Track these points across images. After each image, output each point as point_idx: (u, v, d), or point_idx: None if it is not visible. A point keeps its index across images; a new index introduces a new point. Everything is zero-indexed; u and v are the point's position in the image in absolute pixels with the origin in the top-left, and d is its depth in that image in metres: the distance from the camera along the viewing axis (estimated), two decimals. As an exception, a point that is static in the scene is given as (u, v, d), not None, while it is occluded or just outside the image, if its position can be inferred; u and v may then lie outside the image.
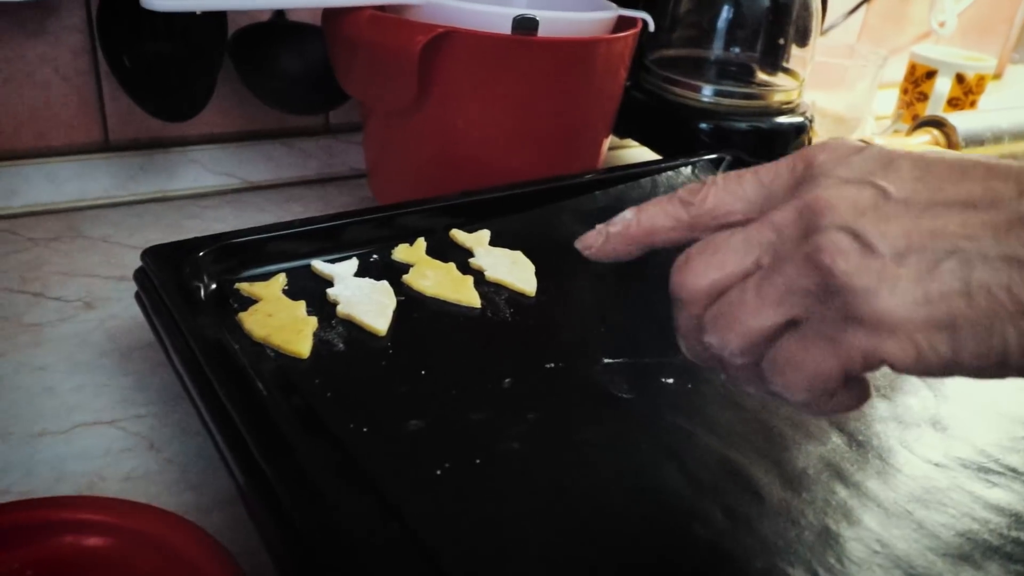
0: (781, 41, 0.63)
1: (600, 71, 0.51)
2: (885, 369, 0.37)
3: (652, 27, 0.55)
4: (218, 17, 0.54)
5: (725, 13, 0.62)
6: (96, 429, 0.37)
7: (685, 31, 0.65)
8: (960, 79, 0.88)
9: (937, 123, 0.73)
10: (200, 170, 0.61)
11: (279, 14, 0.58)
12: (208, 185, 0.62)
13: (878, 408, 0.35)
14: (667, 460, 0.31)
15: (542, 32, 0.48)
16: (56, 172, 0.57)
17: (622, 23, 0.54)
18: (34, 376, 0.40)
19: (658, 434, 0.32)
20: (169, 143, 0.61)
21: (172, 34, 0.53)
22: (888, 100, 0.96)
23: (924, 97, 0.90)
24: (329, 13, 0.50)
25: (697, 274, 0.25)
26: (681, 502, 0.29)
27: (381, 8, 0.49)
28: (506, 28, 0.47)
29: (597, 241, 0.30)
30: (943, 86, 0.88)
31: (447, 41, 0.46)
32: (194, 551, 0.28)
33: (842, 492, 0.30)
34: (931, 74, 0.89)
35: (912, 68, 0.92)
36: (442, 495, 0.28)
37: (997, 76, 1.15)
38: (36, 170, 0.56)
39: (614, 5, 0.55)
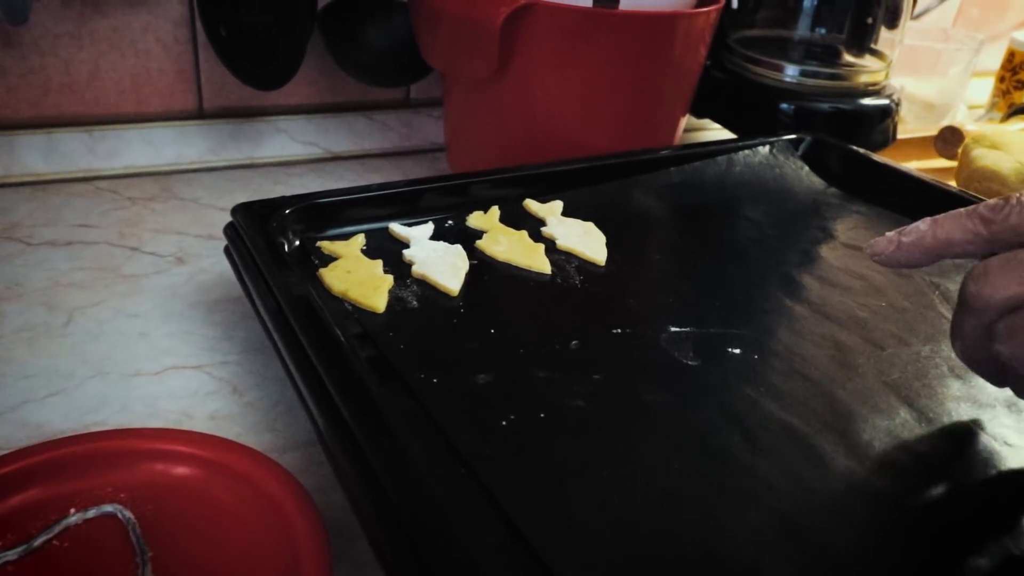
0: (869, 21, 0.61)
1: (680, 47, 0.51)
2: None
3: (735, 4, 0.54)
4: (308, -10, 0.56)
5: (810, -8, 0.61)
6: (185, 372, 0.39)
7: (769, 11, 0.64)
8: (1062, 67, 0.84)
9: (1034, 110, 0.70)
10: (286, 139, 0.64)
11: (367, -13, 0.59)
12: (293, 154, 0.64)
13: (951, 387, 0.35)
14: (731, 424, 0.31)
15: (624, 6, 0.48)
16: (154, 137, 0.60)
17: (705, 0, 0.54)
18: (130, 322, 0.42)
19: (723, 400, 0.33)
20: (258, 113, 0.63)
21: (266, 5, 0.56)
22: (983, 89, 0.93)
23: (1022, 85, 0.86)
24: (415, -14, 0.52)
25: (997, 287, 0.27)
26: (742, 465, 0.29)
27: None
28: (588, 1, 0.48)
29: (889, 248, 0.31)
30: (1043, 74, 0.84)
31: (529, 13, 0.47)
32: (272, 485, 0.30)
33: (908, 464, 0.30)
34: (1031, 61, 0.85)
35: (1011, 55, 0.88)
36: (506, 444, 0.29)
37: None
38: (136, 134, 0.59)
39: (697, -19, 0.55)
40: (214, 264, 0.48)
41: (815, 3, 0.61)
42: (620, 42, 0.49)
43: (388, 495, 0.26)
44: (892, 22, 0.63)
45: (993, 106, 0.87)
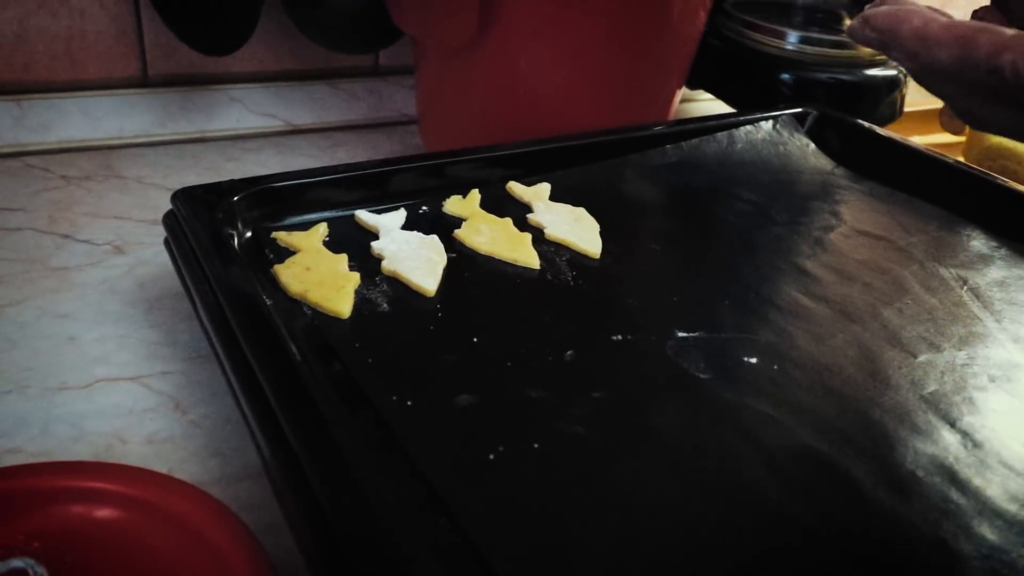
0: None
1: (679, 10, 0.46)
2: (1000, 356, 0.32)
3: (737, -37, 0.49)
4: (263, -57, 0.50)
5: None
6: (119, 385, 0.34)
7: (770, -29, 0.59)
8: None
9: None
10: (242, 110, 0.58)
11: (329, -57, 0.53)
12: (250, 126, 0.58)
13: (994, 402, 0.31)
14: (753, 454, 0.27)
15: (616, -36, 0.43)
16: (92, 107, 0.54)
17: (704, -41, 0.49)
18: (56, 324, 0.37)
19: (741, 422, 0.28)
20: (210, 80, 0.57)
21: (214, -40, 0.50)
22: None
23: None
24: (382, -61, 0.46)
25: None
26: (770, 504, 0.25)
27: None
28: (577, -42, 0.42)
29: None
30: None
31: (511, -30, 0.41)
32: (213, 528, 0.25)
33: (959, 500, 0.26)
34: (1032, 30, 0.81)
35: None
36: (495, 484, 0.25)
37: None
38: (71, 104, 0.53)
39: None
40: (157, 254, 0.42)
41: (820, -36, 0.56)
42: (612, 3, 0.44)
43: (346, 551, 0.21)
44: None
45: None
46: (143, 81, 0.55)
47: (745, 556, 0.23)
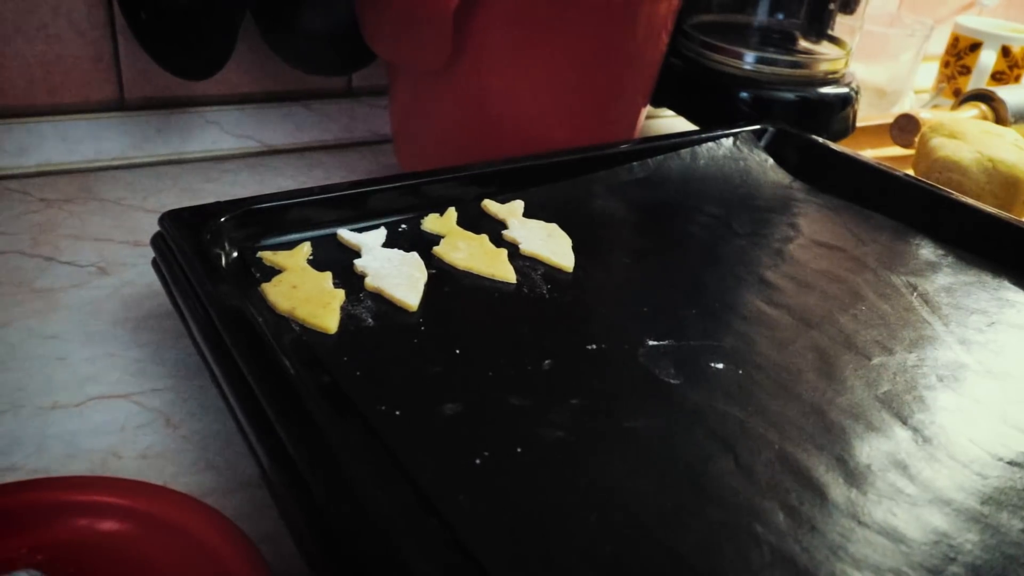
0: (831, 6, 0.60)
1: (642, 33, 0.49)
2: (948, 357, 0.35)
3: (696, -12, 0.52)
4: (239, -30, 0.51)
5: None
6: (111, 403, 0.35)
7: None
8: (1006, 52, 0.84)
9: (985, 97, 0.70)
10: (218, 132, 0.59)
11: (302, -31, 0.55)
12: (226, 148, 0.59)
13: (942, 399, 0.33)
14: (721, 452, 0.29)
15: (582, -9, 0.45)
16: (70, 131, 0.55)
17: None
18: (45, 345, 0.38)
19: (710, 423, 0.30)
20: (186, 103, 0.58)
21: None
22: (927, 74, 0.93)
23: (967, 71, 0.87)
24: (357, -33, 0.48)
25: None
26: (739, 500, 0.27)
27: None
28: (545, -15, 0.44)
29: None
30: (988, 59, 0.84)
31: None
32: (213, 537, 0.26)
33: (910, 490, 0.28)
34: (975, 46, 0.86)
35: (955, 40, 0.88)
36: (481, 487, 0.26)
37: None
38: (49, 128, 0.54)
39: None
40: (141, 275, 0.43)
41: (774, -12, 0.59)
42: (580, 28, 0.46)
43: (345, 550, 0.23)
44: (851, 8, 0.61)
45: (940, 91, 0.87)
46: (120, 104, 0.56)
47: (717, 548, 0.25)
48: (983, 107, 0.69)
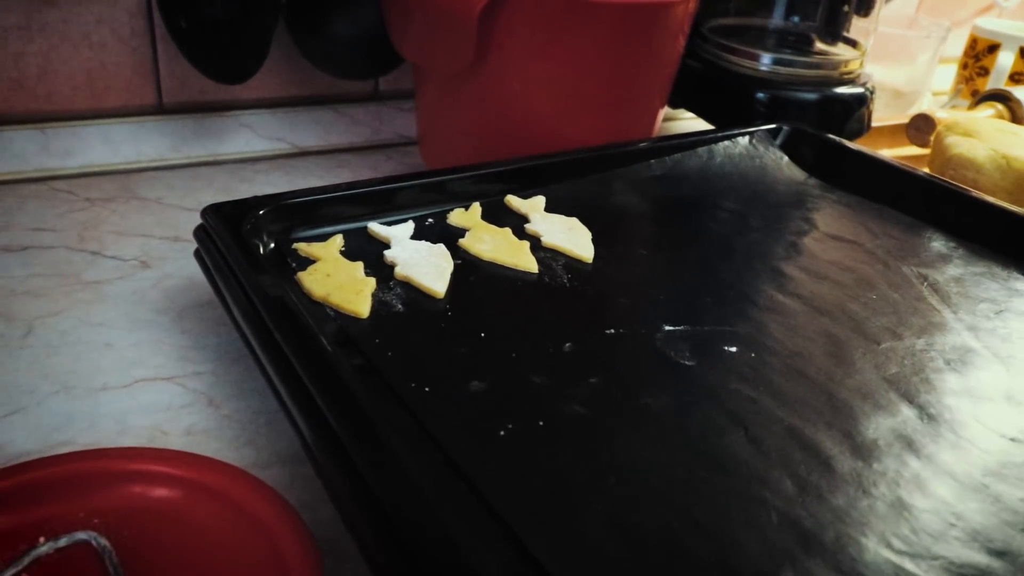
0: (845, 9, 0.61)
1: (659, 36, 0.50)
2: (955, 342, 0.36)
3: (712, -8, 0.53)
4: (272, -21, 0.54)
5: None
6: (156, 384, 0.37)
7: (742, -1, 0.63)
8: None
9: (1002, 97, 0.71)
10: (251, 134, 0.61)
11: (333, -23, 0.57)
12: (259, 149, 0.62)
13: (949, 381, 0.34)
14: (733, 427, 0.30)
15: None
16: (111, 134, 0.57)
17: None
18: (94, 332, 0.40)
19: (722, 401, 0.32)
20: (221, 107, 0.61)
21: (227, -5, 0.53)
22: (945, 76, 0.94)
23: (985, 72, 0.87)
24: (385, -25, 0.50)
25: None
26: (749, 470, 0.28)
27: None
28: (566, -10, 0.46)
29: None
30: (1006, 60, 0.85)
31: (507, 3, 0.45)
32: (258, 504, 0.28)
33: (914, 464, 0.29)
34: (993, 48, 0.86)
35: (973, 41, 0.88)
36: (506, 456, 0.28)
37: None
38: (92, 131, 0.57)
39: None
40: (181, 268, 0.46)
41: (789, -9, 0.61)
42: (599, 32, 0.48)
43: (385, 512, 0.25)
44: (865, 10, 0.62)
45: (958, 92, 0.88)
46: (159, 109, 0.59)
47: (726, 512, 0.27)
48: (999, 107, 0.70)
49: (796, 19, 0.63)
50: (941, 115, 0.66)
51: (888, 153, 0.70)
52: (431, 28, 0.48)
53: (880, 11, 0.63)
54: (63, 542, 0.27)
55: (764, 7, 0.62)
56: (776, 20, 0.62)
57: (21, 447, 0.33)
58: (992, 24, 0.88)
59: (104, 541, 0.28)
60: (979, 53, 0.88)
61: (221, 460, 0.30)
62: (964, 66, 0.90)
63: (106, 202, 0.53)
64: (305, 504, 0.31)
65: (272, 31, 0.54)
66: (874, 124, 0.70)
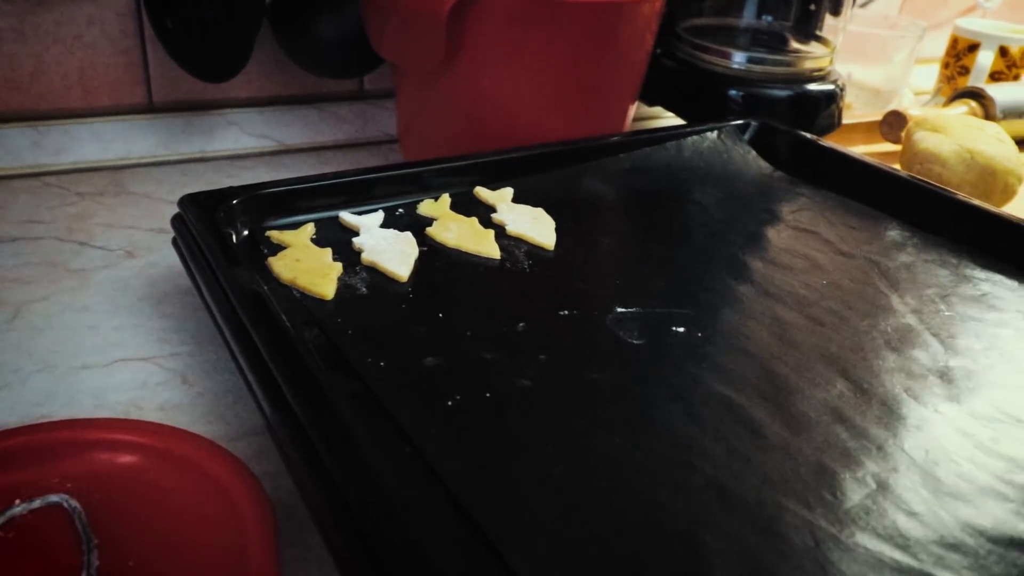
0: (812, 7, 0.63)
1: (626, 34, 0.52)
2: (898, 324, 0.37)
3: (680, -9, 0.55)
4: (257, -19, 0.56)
5: (755, -21, 0.62)
6: (134, 364, 0.39)
7: (715, -1, 0.65)
8: (1004, 52, 0.86)
9: (975, 94, 0.72)
10: (238, 132, 0.63)
11: (318, -21, 0.59)
12: (245, 146, 0.64)
13: (887, 359, 0.36)
14: (671, 401, 0.32)
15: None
16: (103, 131, 0.59)
17: (651, -12, 0.54)
18: (78, 316, 0.42)
19: (664, 377, 0.33)
20: (209, 106, 0.63)
21: (213, -2, 0.55)
22: (929, 75, 0.95)
23: (965, 71, 0.89)
24: (362, -24, 0.52)
25: None
26: (682, 439, 0.30)
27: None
28: (533, -10, 0.48)
29: None
30: (985, 59, 0.86)
31: (475, 3, 0.47)
32: (219, 470, 0.30)
33: (843, 434, 0.31)
34: (973, 47, 0.88)
35: (954, 41, 0.90)
36: (452, 424, 0.30)
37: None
38: (84, 129, 0.59)
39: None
40: (165, 257, 0.48)
41: (759, -9, 0.62)
42: (566, 31, 0.49)
43: (333, 478, 0.26)
44: (835, 8, 0.64)
45: (938, 91, 0.90)
46: (149, 107, 0.61)
47: (656, 476, 0.28)
48: (973, 104, 0.72)
49: (769, 18, 0.64)
50: (913, 112, 0.68)
51: (863, 149, 0.71)
52: (403, 27, 0.50)
53: (850, 10, 0.65)
54: (37, 504, 0.29)
55: (736, 7, 0.64)
56: (748, 19, 0.64)
57: (3, 420, 0.35)
58: (972, 24, 0.89)
59: (75, 503, 0.29)
60: (960, 52, 0.90)
61: (185, 429, 0.32)
62: (946, 65, 0.92)
63: (96, 196, 0.55)
64: (267, 473, 0.32)
65: (256, 32, 0.56)
66: (850, 121, 0.72)
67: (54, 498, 0.29)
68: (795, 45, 0.65)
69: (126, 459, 0.31)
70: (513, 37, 0.49)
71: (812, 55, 0.64)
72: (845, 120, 0.72)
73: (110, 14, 0.57)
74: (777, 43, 0.65)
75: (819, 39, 0.65)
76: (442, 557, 0.24)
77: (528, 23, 0.49)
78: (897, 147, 0.69)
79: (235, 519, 0.28)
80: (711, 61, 0.64)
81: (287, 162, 0.63)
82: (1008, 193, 0.58)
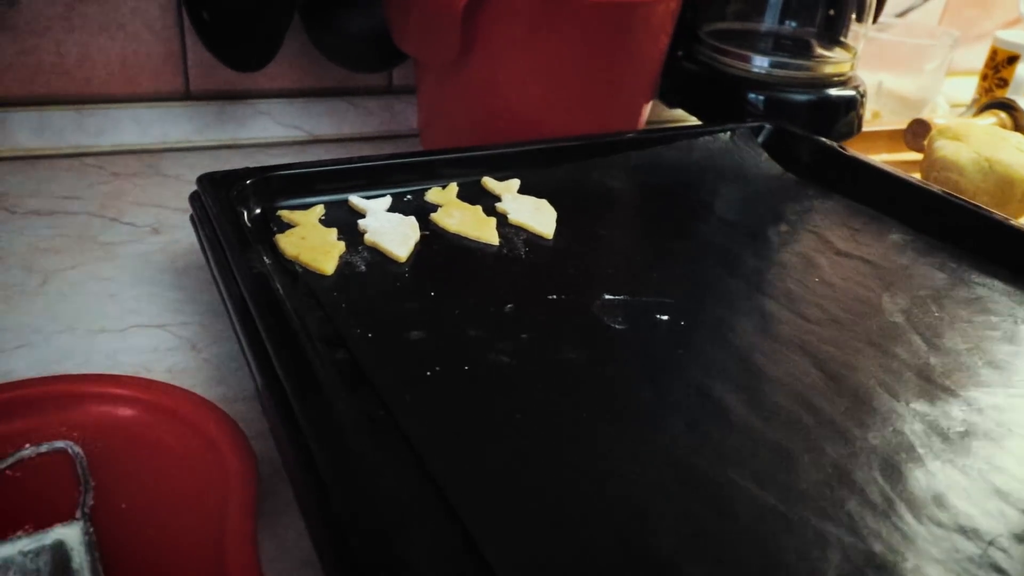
0: (832, 13, 0.63)
1: (640, 35, 0.53)
2: (883, 322, 0.38)
3: (698, -7, 0.56)
4: (290, -23, 0.59)
5: (776, -16, 0.62)
6: (148, 331, 0.41)
7: (738, 4, 0.66)
8: (1043, 65, 0.85)
9: (1006, 105, 0.71)
10: (269, 121, 0.66)
11: (349, -23, 0.62)
12: (276, 135, 0.66)
13: (866, 354, 0.36)
14: (645, 381, 0.33)
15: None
16: (142, 116, 0.62)
17: (670, -11, 0.55)
18: (101, 284, 0.45)
19: (640, 360, 0.34)
20: (243, 95, 0.65)
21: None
22: (969, 87, 0.94)
23: (1004, 83, 0.87)
24: (387, -27, 0.54)
25: None
26: (647, 417, 0.31)
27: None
28: (547, -12, 0.49)
29: None
30: (1024, 71, 0.85)
31: (488, 0, 0.49)
32: (210, 426, 0.32)
33: (809, 421, 0.32)
34: (1013, 59, 0.86)
35: (993, 53, 0.89)
36: (427, 393, 0.31)
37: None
38: (124, 113, 0.62)
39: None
40: (188, 235, 0.50)
41: (780, -4, 0.63)
42: (578, 29, 0.51)
43: (306, 438, 0.28)
44: (858, 15, 0.64)
45: (975, 103, 0.88)
46: (186, 95, 0.64)
47: (619, 448, 0.29)
48: (1003, 115, 0.71)
49: (790, 23, 0.65)
50: (938, 121, 0.67)
51: (886, 157, 0.71)
52: (421, 23, 0.51)
53: (871, 17, 0.65)
54: (44, 448, 0.32)
55: (758, 11, 0.64)
56: (769, 24, 0.64)
57: (23, 374, 0.37)
58: (1012, 36, 0.88)
59: (78, 449, 0.32)
60: (998, 64, 0.88)
61: (180, 387, 0.34)
62: (984, 77, 0.90)
63: (130, 177, 0.58)
64: (261, 433, 0.34)
65: (286, 25, 0.58)
66: (877, 128, 0.72)
67: (60, 444, 0.32)
68: (817, 50, 0.65)
69: (126, 412, 0.33)
70: (526, 34, 0.51)
71: (833, 60, 0.64)
72: (872, 127, 0.72)
73: (152, 7, 0.60)
74: (798, 48, 0.66)
75: (841, 44, 0.65)
76: (402, 516, 0.26)
77: (540, 22, 0.50)
78: (920, 155, 0.69)
79: (220, 469, 0.30)
80: (732, 64, 0.65)
81: (314, 151, 0.65)
82: (1026, 203, 0.57)
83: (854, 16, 0.64)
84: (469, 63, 0.52)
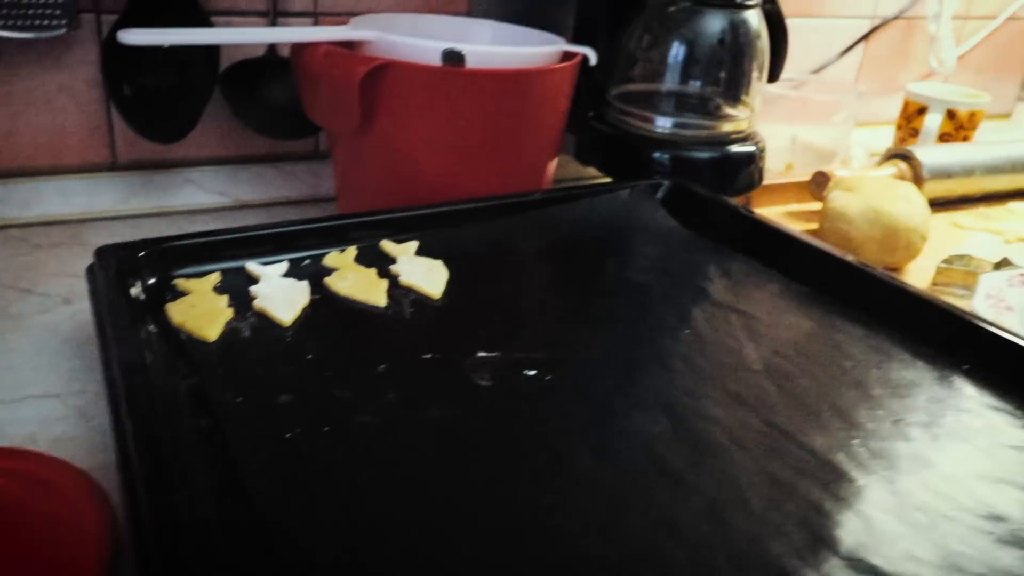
0: (723, 75, 0.66)
1: (536, 100, 0.56)
2: (744, 367, 0.39)
3: (593, 61, 0.59)
4: (210, 52, 0.62)
5: (673, 50, 0.66)
6: (42, 400, 0.43)
7: (642, 67, 0.69)
8: (951, 115, 0.89)
9: (904, 156, 0.75)
10: (195, 189, 0.68)
11: (271, 50, 0.65)
12: (202, 202, 0.68)
13: (719, 402, 0.38)
14: (499, 432, 0.35)
15: (484, 64, 0.53)
16: (67, 188, 0.65)
17: (569, 56, 0.59)
18: (4, 356, 0.46)
19: (496, 417, 0.36)
20: (171, 164, 0.68)
21: (166, 67, 0.61)
22: (887, 138, 0.98)
23: (916, 133, 0.91)
24: (296, 48, 0.57)
25: None
26: (495, 467, 0.33)
27: (341, 44, 0.55)
28: (440, 61, 0.52)
29: None
30: (933, 122, 0.89)
31: (385, 72, 0.51)
32: (71, 488, 0.34)
33: (648, 469, 0.33)
34: (922, 110, 0.90)
35: (906, 105, 0.93)
36: (281, 455, 0.33)
37: (1007, 115, 1.14)
38: (50, 186, 0.64)
39: (562, 40, 0.60)
40: (97, 303, 0.52)
41: (676, 60, 0.66)
42: (476, 97, 0.53)
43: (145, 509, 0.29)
44: (753, 74, 0.67)
45: (889, 153, 0.92)
46: (113, 165, 0.66)
47: (469, 497, 0.31)
48: (901, 165, 0.74)
49: (690, 84, 0.68)
50: (839, 173, 0.71)
51: (795, 208, 0.74)
52: (325, 94, 0.54)
53: (764, 77, 0.68)
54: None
55: (658, 74, 0.68)
56: (671, 85, 0.68)
57: (-88, 446, 0.38)
58: (922, 88, 0.92)
59: (-51, 520, 0.33)
60: (910, 115, 0.92)
61: (47, 454, 0.35)
62: (899, 128, 0.94)
63: (52, 248, 0.60)
64: (133, 498, 0.36)
65: (205, 99, 0.61)
66: (786, 180, 0.75)
67: (-69, 516, 0.33)
68: (718, 109, 0.68)
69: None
70: (424, 103, 0.53)
71: (734, 118, 0.67)
72: (783, 179, 0.76)
73: (78, 81, 0.63)
74: (701, 107, 0.69)
75: (743, 102, 0.69)
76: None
77: (438, 91, 0.53)
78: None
79: (79, 531, 0.32)
80: (637, 126, 0.68)
81: (240, 217, 0.68)
82: (911, 251, 0.60)
83: (755, 75, 0.67)
84: (372, 131, 0.54)
